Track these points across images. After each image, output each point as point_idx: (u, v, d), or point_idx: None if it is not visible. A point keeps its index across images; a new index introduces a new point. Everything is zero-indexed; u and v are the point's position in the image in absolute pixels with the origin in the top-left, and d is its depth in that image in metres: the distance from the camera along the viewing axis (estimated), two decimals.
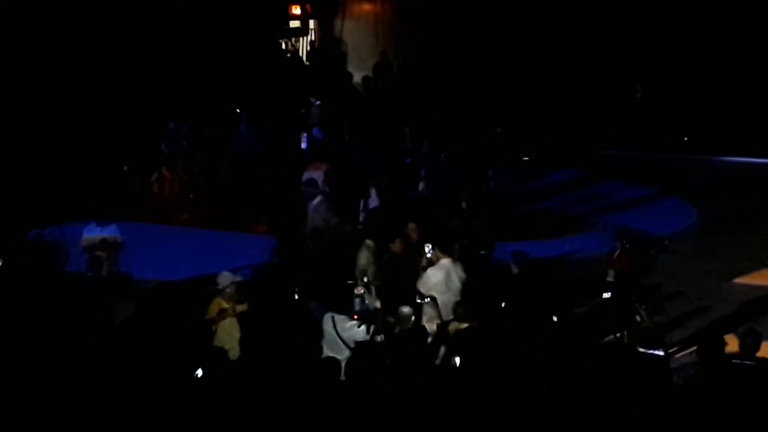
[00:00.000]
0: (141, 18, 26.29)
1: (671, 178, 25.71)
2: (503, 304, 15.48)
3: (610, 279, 16.48)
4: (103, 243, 18.04)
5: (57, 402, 11.71)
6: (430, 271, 15.71)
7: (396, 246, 16.42)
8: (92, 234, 18.20)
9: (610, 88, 28.37)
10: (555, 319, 15.35)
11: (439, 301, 15.31)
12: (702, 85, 27.73)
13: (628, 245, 16.40)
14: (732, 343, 15.12)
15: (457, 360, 12.73)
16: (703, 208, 23.30)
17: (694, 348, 16.19)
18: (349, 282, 16.36)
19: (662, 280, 18.84)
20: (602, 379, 11.98)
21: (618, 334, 15.59)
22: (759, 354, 13.31)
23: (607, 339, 15.53)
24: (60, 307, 14.91)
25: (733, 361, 13.06)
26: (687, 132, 28.00)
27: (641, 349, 13.48)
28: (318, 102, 26.71)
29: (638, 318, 16.05)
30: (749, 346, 13.23)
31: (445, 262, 15.75)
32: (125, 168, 23.97)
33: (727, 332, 16.01)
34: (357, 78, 30.72)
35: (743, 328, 15.27)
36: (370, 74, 30.69)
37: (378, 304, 15.28)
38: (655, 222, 22.83)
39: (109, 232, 18.24)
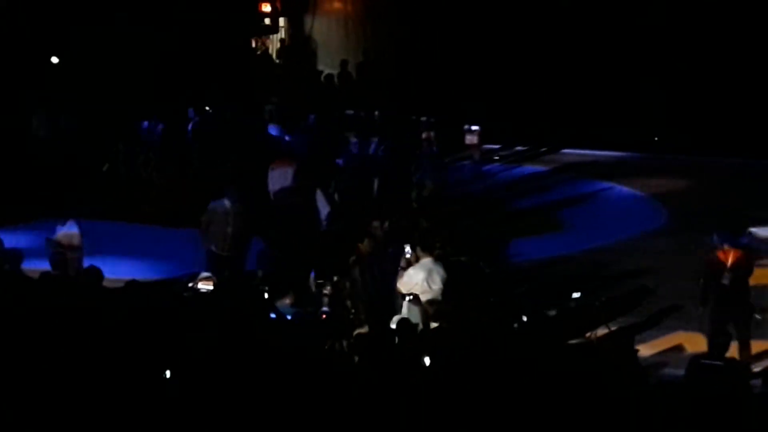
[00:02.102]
0: (107, 13, 26.14)
1: (642, 177, 25.70)
2: (473, 304, 15.38)
3: (725, 282, 15.58)
4: (60, 241, 17.86)
5: (24, 400, 11.58)
6: (411, 271, 15.52)
7: (365, 246, 16.26)
8: (59, 231, 18.06)
9: (584, 86, 28.25)
10: (525, 318, 15.26)
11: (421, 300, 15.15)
12: (676, 85, 27.71)
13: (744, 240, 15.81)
14: (703, 343, 15.16)
15: (427, 360, 12.62)
16: (675, 208, 23.30)
17: (667, 347, 16.28)
18: (319, 281, 16.28)
19: (635, 279, 18.86)
20: (573, 379, 11.91)
21: (589, 334, 15.52)
22: (728, 354, 13.33)
23: (578, 339, 15.45)
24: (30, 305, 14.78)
25: (703, 361, 13.05)
26: (657, 131, 28.00)
27: (613, 349, 13.46)
28: (275, 99, 26.69)
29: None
30: (720, 345, 13.23)
31: (427, 261, 15.54)
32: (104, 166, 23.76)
33: (699, 331, 16.07)
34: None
35: (714, 328, 15.33)
36: (341, 72, 30.53)
37: (348, 303, 15.22)
38: (627, 221, 22.86)
39: (67, 229, 18.07)
